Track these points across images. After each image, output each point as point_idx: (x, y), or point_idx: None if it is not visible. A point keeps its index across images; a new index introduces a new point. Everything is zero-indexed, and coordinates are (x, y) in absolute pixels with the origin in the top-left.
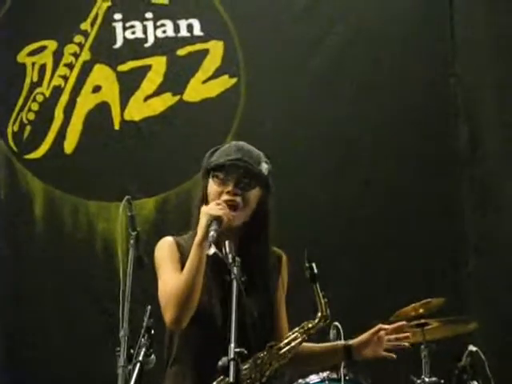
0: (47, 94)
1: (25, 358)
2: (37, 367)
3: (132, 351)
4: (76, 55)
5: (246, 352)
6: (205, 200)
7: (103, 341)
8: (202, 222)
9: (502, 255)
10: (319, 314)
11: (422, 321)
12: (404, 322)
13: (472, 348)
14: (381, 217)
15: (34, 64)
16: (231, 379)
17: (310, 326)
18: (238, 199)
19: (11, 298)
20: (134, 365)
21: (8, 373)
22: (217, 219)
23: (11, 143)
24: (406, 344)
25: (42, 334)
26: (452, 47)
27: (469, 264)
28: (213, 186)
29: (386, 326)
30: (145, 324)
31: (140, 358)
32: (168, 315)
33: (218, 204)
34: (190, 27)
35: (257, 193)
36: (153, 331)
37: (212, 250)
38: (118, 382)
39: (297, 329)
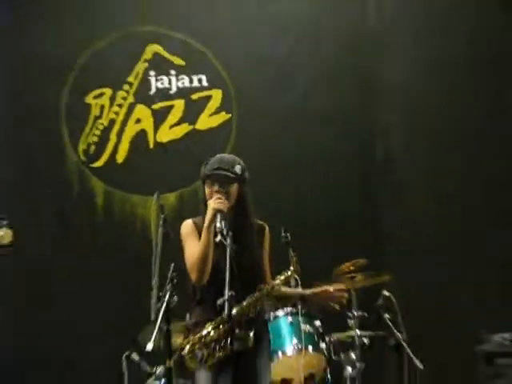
0: (105, 123)
1: (88, 300)
2: (98, 304)
3: (160, 294)
4: (124, 98)
5: (234, 294)
6: (205, 198)
7: (142, 289)
8: (209, 213)
9: (408, 233)
10: (292, 268)
11: (353, 274)
12: (334, 286)
13: (386, 293)
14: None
15: (96, 104)
16: (226, 312)
17: (284, 276)
18: (223, 195)
19: (84, 255)
20: (162, 303)
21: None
22: (219, 211)
23: (81, 156)
24: (337, 307)
25: (101, 284)
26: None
27: (385, 243)
28: (206, 189)
29: (331, 289)
30: (169, 275)
31: (166, 299)
32: (193, 276)
33: (219, 198)
34: (199, 80)
35: (235, 187)
36: (175, 280)
37: (218, 238)
38: (151, 314)
39: (276, 278)
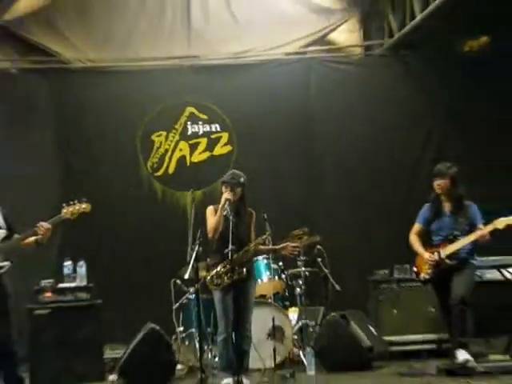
0: (162, 151)
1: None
2: (158, 253)
3: (192, 247)
4: (173, 137)
5: (234, 248)
6: (221, 194)
7: (182, 244)
8: (222, 201)
9: (328, 209)
10: (267, 233)
11: (300, 236)
12: (290, 244)
13: (318, 246)
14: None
15: (157, 140)
16: (230, 257)
17: (262, 238)
18: (232, 193)
19: (149, 226)
20: (193, 252)
21: None
22: (228, 200)
23: (149, 169)
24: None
25: (160, 243)
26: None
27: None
28: (223, 189)
29: (292, 244)
30: (198, 236)
31: (195, 249)
32: (210, 235)
33: (228, 193)
34: (215, 127)
35: (239, 189)
36: (201, 239)
37: (225, 212)
38: (188, 258)
39: (257, 240)
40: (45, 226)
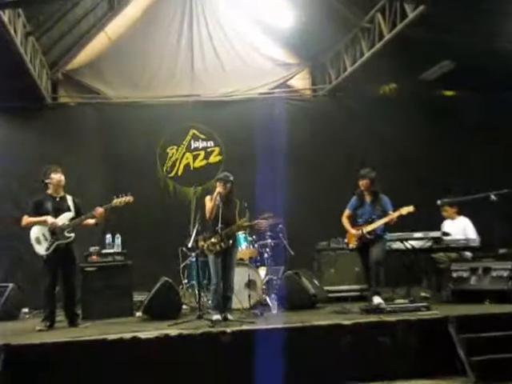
0: (173, 159)
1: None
2: (169, 231)
3: (194, 225)
4: (182, 150)
5: (224, 226)
6: (215, 188)
7: (187, 223)
8: (216, 193)
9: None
10: (246, 216)
11: (269, 218)
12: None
13: (280, 225)
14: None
15: (170, 151)
16: (220, 232)
17: (244, 219)
18: (224, 187)
19: (162, 214)
20: (194, 228)
21: None
22: (220, 193)
23: (164, 172)
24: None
25: (170, 224)
26: None
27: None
28: (218, 184)
29: (261, 221)
30: (198, 218)
31: (196, 226)
32: (207, 216)
33: (220, 187)
34: (210, 143)
35: (229, 185)
36: (200, 220)
37: (217, 202)
38: (191, 231)
39: (240, 221)
40: (100, 210)
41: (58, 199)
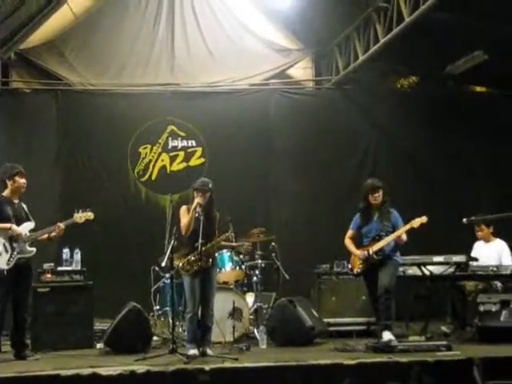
0: (147, 161)
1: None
2: (140, 245)
3: (169, 240)
4: (156, 149)
5: (204, 242)
6: (193, 197)
7: (161, 237)
8: (195, 204)
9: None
10: (230, 231)
11: (259, 234)
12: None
13: (273, 243)
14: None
15: (143, 152)
16: (199, 249)
17: (226, 235)
18: (202, 197)
19: (135, 221)
20: (169, 244)
21: None
22: (199, 204)
23: (136, 175)
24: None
25: (141, 236)
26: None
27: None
28: (195, 194)
29: (247, 244)
30: (173, 232)
31: (171, 242)
32: (183, 231)
33: (199, 197)
34: (191, 142)
35: (208, 194)
36: (176, 235)
37: (196, 214)
38: (165, 249)
39: (221, 236)
40: (61, 226)
41: (15, 204)
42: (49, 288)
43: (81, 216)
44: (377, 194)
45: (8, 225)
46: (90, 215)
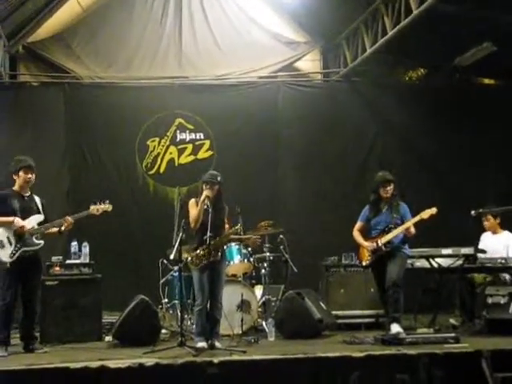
0: (155, 154)
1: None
2: (150, 236)
3: (178, 233)
4: (165, 142)
5: (213, 235)
6: (202, 190)
7: (170, 230)
8: (203, 196)
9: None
10: (239, 225)
11: (267, 227)
12: (254, 236)
13: (281, 236)
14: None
15: (151, 145)
16: (208, 242)
17: (235, 228)
18: (211, 190)
19: (143, 213)
20: (178, 237)
21: None
22: (208, 196)
23: (144, 168)
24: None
25: (151, 228)
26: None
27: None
28: (204, 186)
29: (255, 237)
30: (182, 224)
31: (180, 235)
32: (192, 225)
33: (208, 190)
34: (199, 135)
35: (217, 187)
36: (184, 227)
37: (205, 206)
38: (173, 241)
39: (230, 230)
40: (70, 220)
41: (25, 198)
42: (57, 281)
43: (98, 208)
44: (388, 188)
45: (11, 218)
46: (108, 207)
